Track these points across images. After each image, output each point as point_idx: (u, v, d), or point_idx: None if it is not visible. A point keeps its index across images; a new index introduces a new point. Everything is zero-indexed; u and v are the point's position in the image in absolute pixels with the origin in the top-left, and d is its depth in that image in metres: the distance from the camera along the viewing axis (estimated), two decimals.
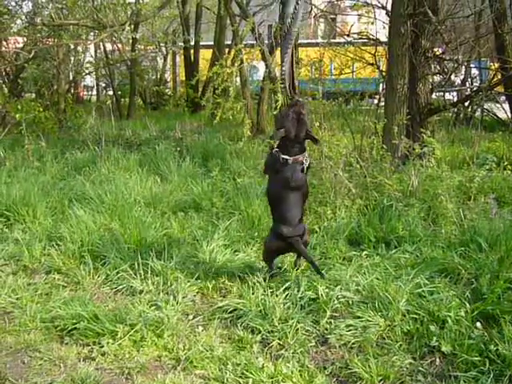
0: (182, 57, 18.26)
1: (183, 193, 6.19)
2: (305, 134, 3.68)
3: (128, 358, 3.10)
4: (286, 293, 3.66)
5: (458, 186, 5.59)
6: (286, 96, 3.87)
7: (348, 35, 9.21)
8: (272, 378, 2.87)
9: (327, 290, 3.62)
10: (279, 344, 3.20)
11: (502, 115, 11.30)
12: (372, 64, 8.97)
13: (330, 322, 3.37)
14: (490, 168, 5.69)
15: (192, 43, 16.64)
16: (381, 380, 2.85)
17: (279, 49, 3.99)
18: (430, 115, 7.34)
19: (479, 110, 10.71)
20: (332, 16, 12.15)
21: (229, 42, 13.90)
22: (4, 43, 11.61)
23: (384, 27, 8.54)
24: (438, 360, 3.02)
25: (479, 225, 4.57)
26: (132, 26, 12.28)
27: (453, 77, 10.12)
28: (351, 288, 3.65)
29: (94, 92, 20.20)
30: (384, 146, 5.99)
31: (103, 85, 19.75)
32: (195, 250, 4.48)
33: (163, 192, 6.11)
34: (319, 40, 13.21)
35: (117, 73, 17.32)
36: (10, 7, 11.18)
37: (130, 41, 13.85)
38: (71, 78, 14.31)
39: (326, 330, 3.32)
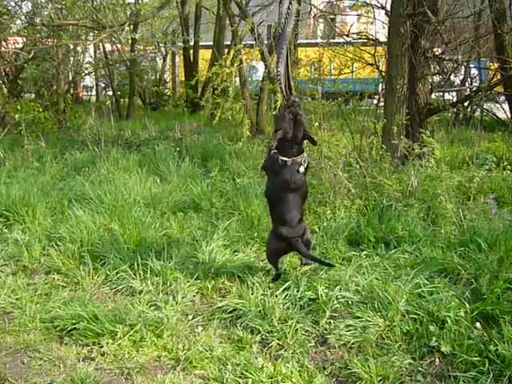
0: (182, 57, 18.27)
1: (183, 193, 6.19)
2: (302, 135, 3.67)
3: (127, 358, 3.11)
4: (286, 293, 3.66)
5: (458, 186, 5.60)
6: (283, 97, 3.85)
7: (347, 35, 9.19)
8: (271, 378, 2.87)
9: (327, 291, 3.63)
10: (279, 344, 3.20)
11: (501, 115, 11.31)
12: (371, 64, 8.95)
13: (330, 322, 3.38)
14: (489, 168, 5.69)
15: (191, 43, 16.64)
16: (380, 380, 2.85)
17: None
18: (429, 115, 7.35)
19: (479, 110, 10.72)
20: (331, 16, 12.14)
21: (228, 43, 13.90)
22: (3, 43, 11.59)
23: (383, 27, 8.53)
24: (437, 360, 3.02)
25: (479, 225, 4.58)
26: (131, 27, 12.28)
27: (452, 77, 10.14)
28: (351, 288, 3.65)
29: (94, 92, 20.20)
30: (383, 146, 6.00)
31: (102, 85, 19.75)
32: (195, 250, 4.48)
33: (163, 192, 6.11)
34: (318, 40, 13.19)
35: (116, 73, 17.32)
36: (10, 7, 11.16)
37: (130, 41, 13.84)
38: (71, 78, 14.30)
39: (326, 330, 3.33)
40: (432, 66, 7.56)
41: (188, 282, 3.93)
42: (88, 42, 12.71)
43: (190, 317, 3.56)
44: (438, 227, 4.87)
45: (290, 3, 3.63)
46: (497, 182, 6.03)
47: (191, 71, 15.70)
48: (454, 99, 10.50)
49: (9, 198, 5.65)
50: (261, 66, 11.91)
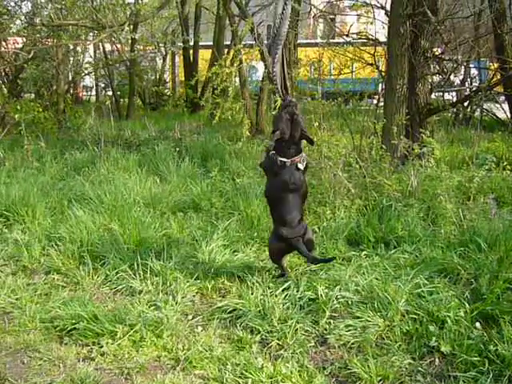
0: (181, 57, 18.27)
1: (182, 193, 6.19)
2: (300, 135, 3.67)
3: (127, 358, 3.10)
4: (286, 293, 3.66)
5: (458, 186, 5.60)
6: (279, 97, 3.86)
7: (347, 35, 9.19)
8: (271, 378, 2.87)
9: (326, 290, 3.63)
10: (278, 344, 3.20)
11: (501, 115, 11.31)
12: (371, 64, 8.96)
13: (330, 322, 3.38)
14: (489, 168, 5.69)
15: (191, 43, 16.64)
16: (380, 380, 2.85)
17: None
18: (429, 115, 7.35)
19: (478, 110, 10.72)
20: (331, 16, 12.13)
21: (228, 43, 13.89)
22: (3, 43, 11.58)
23: (383, 27, 8.53)
24: (437, 360, 3.02)
25: (478, 225, 4.58)
26: (131, 27, 12.27)
27: (452, 77, 10.14)
28: (350, 288, 3.65)
29: (94, 92, 20.19)
30: (383, 146, 6.00)
31: (102, 85, 19.74)
32: (194, 250, 4.48)
33: (162, 192, 6.11)
34: (318, 40, 13.20)
35: (116, 73, 17.31)
36: (10, 7, 11.15)
37: (129, 41, 13.83)
38: (70, 78, 14.29)
39: (326, 330, 3.33)
40: (432, 66, 7.56)
41: (188, 281, 3.93)
42: (88, 42, 12.70)
43: (190, 317, 3.56)
44: (437, 227, 4.87)
45: (285, 4, 3.64)
46: (497, 181, 6.03)
47: (191, 71, 15.70)
48: (454, 99, 10.50)
49: (9, 198, 5.65)
50: (260, 66, 11.90)
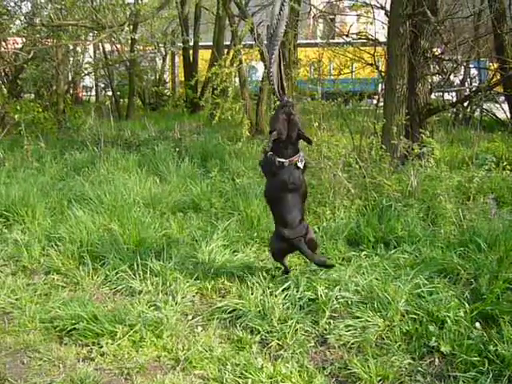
0: (181, 57, 18.27)
1: (182, 193, 6.19)
2: (297, 134, 3.67)
3: (127, 358, 3.11)
4: (285, 293, 3.66)
5: (457, 186, 5.60)
6: (276, 97, 3.86)
7: (347, 35, 9.19)
8: (271, 378, 2.87)
9: (326, 291, 3.63)
10: (278, 344, 3.20)
11: (501, 115, 11.32)
12: (371, 64, 8.95)
13: (329, 323, 3.38)
14: (489, 168, 5.69)
15: (191, 44, 16.64)
16: (380, 380, 2.85)
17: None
18: (429, 115, 7.35)
19: (478, 110, 10.72)
20: (331, 16, 12.13)
21: (228, 43, 13.89)
22: (3, 44, 11.58)
23: (383, 27, 8.53)
24: (437, 360, 3.02)
25: (478, 225, 4.58)
26: (131, 27, 12.27)
27: (452, 77, 10.14)
28: (350, 288, 3.65)
29: (93, 92, 20.18)
30: (383, 147, 6.00)
31: (102, 85, 19.73)
32: (194, 250, 4.48)
33: (162, 192, 6.11)
34: (318, 40, 13.19)
35: (116, 73, 17.31)
36: (9, 8, 11.15)
37: (129, 41, 13.83)
38: (70, 78, 14.29)
39: (325, 330, 3.33)
40: (431, 66, 7.57)
41: (188, 282, 3.93)
42: (87, 43, 12.69)
43: (190, 317, 3.56)
44: (437, 227, 4.87)
45: (282, 5, 3.64)
46: (496, 182, 6.03)
47: (191, 71, 15.70)
48: (454, 99, 10.50)
49: (8, 199, 5.65)
50: (260, 66, 11.92)
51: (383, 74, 8.18)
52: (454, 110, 10.41)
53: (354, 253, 4.43)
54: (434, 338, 3.12)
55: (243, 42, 9.59)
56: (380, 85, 8.98)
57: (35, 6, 11.26)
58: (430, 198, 5.34)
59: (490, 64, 11.51)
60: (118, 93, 16.82)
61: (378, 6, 8.39)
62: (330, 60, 11.05)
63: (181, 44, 16.67)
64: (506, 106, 11.05)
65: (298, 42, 11.67)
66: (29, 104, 10.17)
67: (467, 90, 10.61)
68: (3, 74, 12.34)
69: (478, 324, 3.24)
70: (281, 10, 3.64)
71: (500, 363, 2.87)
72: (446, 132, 9.32)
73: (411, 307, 3.40)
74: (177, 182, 6.53)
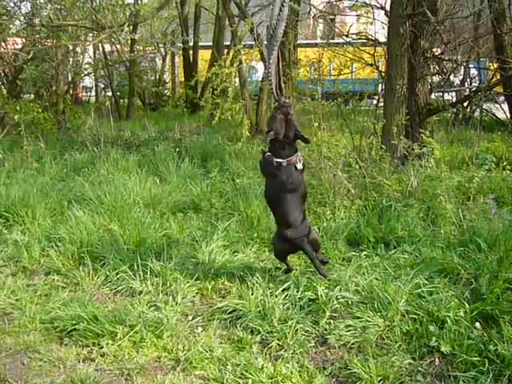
0: (181, 57, 18.28)
1: (182, 193, 6.19)
2: (294, 134, 3.68)
3: (127, 358, 3.11)
4: (286, 293, 3.67)
5: (457, 187, 5.60)
6: (273, 97, 3.87)
7: (347, 36, 9.20)
8: (271, 378, 2.87)
9: (326, 291, 3.63)
10: (279, 344, 3.20)
11: (501, 115, 11.32)
12: (371, 64, 8.96)
13: (330, 323, 3.38)
14: (489, 168, 5.69)
15: (191, 44, 16.65)
16: (380, 380, 2.85)
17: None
18: (429, 115, 7.35)
19: (478, 110, 10.72)
20: (331, 16, 12.13)
21: (228, 43, 13.89)
22: (2, 44, 11.58)
23: (383, 28, 8.54)
24: (437, 360, 3.02)
25: (478, 225, 4.58)
26: (131, 27, 12.26)
27: (452, 77, 10.14)
28: (350, 288, 3.65)
29: (93, 93, 20.18)
30: (383, 147, 6.00)
31: (102, 86, 19.74)
32: (194, 250, 4.48)
33: (162, 193, 6.11)
34: (318, 40, 13.20)
35: (116, 74, 17.31)
36: (9, 8, 11.14)
37: (129, 42, 13.83)
38: (70, 78, 14.28)
39: (326, 330, 3.33)
40: (431, 66, 7.57)
41: (188, 282, 3.93)
42: (87, 43, 12.68)
43: (190, 317, 3.56)
44: (437, 227, 4.87)
45: (282, 5, 3.64)
46: (496, 182, 6.03)
47: (191, 72, 15.70)
48: (454, 99, 10.50)
49: (8, 199, 5.65)
50: (260, 67, 11.93)
51: (383, 74, 8.18)
52: (454, 110, 10.41)
53: (354, 253, 4.43)
54: (434, 338, 3.12)
55: (243, 42, 9.58)
56: (380, 85, 9.00)
57: (35, 6, 11.25)
58: (430, 198, 5.34)
59: (490, 64, 11.51)
60: (118, 93, 16.82)
61: (378, 6, 8.40)
62: (330, 60, 11.06)
63: (181, 44, 16.68)
64: (505, 106, 11.06)
65: (298, 42, 11.67)
66: (28, 104, 10.15)
67: (467, 90, 10.62)
68: (3, 74, 12.35)
69: (478, 324, 3.24)
70: (280, 10, 3.65)
71: (500, 363, 2.88)
72: (446, 132, 9.32)
73: (411, 307, 3.40)
74: (177, 182, 6.53)
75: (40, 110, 9.94)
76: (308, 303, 3.57)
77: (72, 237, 4.69)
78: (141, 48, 15.55)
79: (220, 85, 7.84)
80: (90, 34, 12.23)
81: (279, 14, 3.66)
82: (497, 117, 11.42)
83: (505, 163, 6.15)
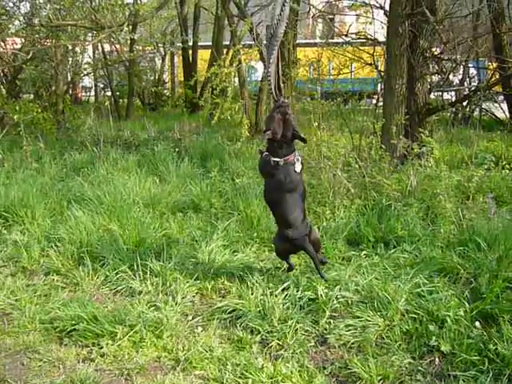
0: (181, 57, 18.27)
1: (182, 193, 6.18)
2: (292, 134, 3.68)
3: (127, 358, 3.11)
4: (285, 293, 3.67)
5: (457, 186, 5.60)
6: (272, 97, 3.87)
7: (346, 35, 9.19)
8: (271, 378, 2.87)
9: (326, 290, 3.63)
10: (278, 344, 3.20)
11: (500, 115, 11.33)
12: (370, 64, 8.96)
13: (330, 322, 3.38)
14: (488, 167, 5.70)
15: (190, 44, 16.64)
16: (380, 380, 2.85)
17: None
18: (428, 115, 7.35)
19: (477, 109, 10.73)
20: (330, 16, 12.13)
21: (227, 43, 13.88)
22: (2, 44, 11.58)
23: (382, 27, 8.52)
24: (437, 359, 3.03)
25: (478, 224, 4.58)
26: (130, 27, 12.25)
27: (451, 76, 10.13)
28: (350, 288, 3.66)
29: (93, 93, 20.16)
30: (383, 146, 6.00)
31: (101, 86, 19.72)
32: (194, 250, 4.48)
33: (162, 193, 6.11)
34: (317, 40, 13.19)
35: (115, 73, 17.30)
36: (8, 8, 11.14)
37: (128, 41, 13.81)
38: (69, 78, 14.27)
39: (326, 330, 3.33)
40: (431, 66, 7.57)
41: (188, 282, 3.93)
42: (87, 43, 12.69)
43: (190, 317, 3.56)
44: (437, 227, 4.87)
45: (283, 5, 3.64)
46: (496, 181, 6.03)
47: (190, 71, 15.70)
48: (453, 99, 10.51)
49: (8, 199, 5.65)
50: (260, 66, 11.93)
51: (382, 73, 8.17)
52: (454, 109, 10.41)
53: (353, 252, 4.43)
54: (434, 338, 3.12)
55: (242, 42, 9.59)
56: (379, 84, 8.99)
57: (34, 6, 11.24)
58: (430, 197, 5.35)
59: (489, 63, 11.51)
60: (118, 93, 16.79)
61: (377, 5, 8.40)
62: (330, 60, 11.04)
63: (180, 44, 16.67)
64: (505, 106, 11.07)
65: (297, 41, 11.67)
66: (28, 104, 10.14)
67: (466, 89, 10.62)
68: (2, 74, 12.34)
69: (477, 323, 3.24)
70: (281, 10, 3.64)
71: (500, 362, 2.88)
72: (446, 131, 9.33)
73: (411, 306, 3.40)
74: (176, 182, 6.53)
75: (39, 110, 9.93)
76: (308, 303, 3.57)
77: (71, 237, 4.69)
78: (140, 48, 15.55)
79: (219, 84, 7.85)
80: (90, 34, 12.23)
81: (280, 14, 3.65)
82: (496, 116, 11.43)
83: (504, 162, 6.15)
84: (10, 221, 5.45)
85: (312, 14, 11.09)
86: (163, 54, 19.46)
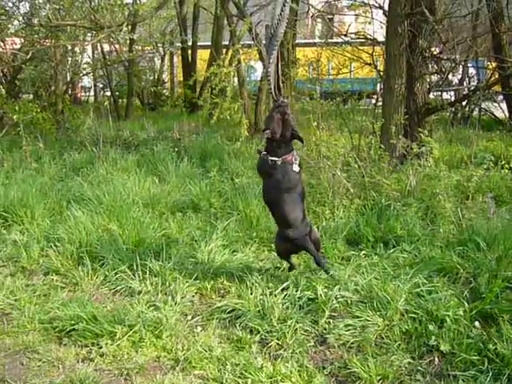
0: (180, 57, 18.27)
1: (181, 193, 6.18)
2: (291, 134, 3.68)
3: (127, 358, 3.10)
4: (285, 293, 3.66)
5: (456, 186, 5.60)
6: (272, 97, 3.88)
7: (345, 35, 9.20)
8: (271, 378, 2.87)
9: (326, 290, 3.63)
10: (278, 344, 3.20)
11: (499, 114, 11.33)
12: (369, 64, 8.97)
13: (329, 322, 3.38)
14: (487, 167, 5.70)
15: (189, 43, 16.64)
16: (380, 379, 2.85)
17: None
18: (427, 115, 7.36)
19: (477, 109, 10.73)
20: (329, 16, 12.14)
21: (226, 43, 13.89)
22: (1, 44, 11.58)
23: (381, 27, 8.53)
24: (436, 359, 3.02)
25: (477, 224, 4.58)
26: (129, 27, 12.24)
27: (450, 76, 10.14)
28: (350, 288, 3.65)
29: (92, 93, 20.16)
30: (382, 146, 6.01)
31: (101, 86, 19.71)
32: (193, 250, 4.48)
33: (161, 192, 6.10)
34: (316, 40, 13.19)
35: (114, 73, 17.31)
36: (7, 8, 11.15)
37: (128, 41, 13.82)
38: (69, 78, 14.27)
39: (325, 329, 3.33)
40: (430, 66, 7.57)
41: (187, 282, 3.92)
42: (86, 43, 12.71)
43: (189, 317, 3.56)
44: (436, 226, 4.87)
45: (284, 5, 3.64)
46: (495, 180, 6.04)
47: (189, 71, 15.70)
48: (452, 99, 10.51)
49: (7, 199, 5.65)
50: (259, 66, 11.92)
51: (382, 73, 8.18)
52: (453, 109, 10.42)
53: (353, 252, 4.43)
54: (433, 337, 3.12)
55: (242, 42, 9.59)
56: (378, 84, 9.00)
57: (33, 6, 11.25)
58: (429, 197, 5.35)
59: (488, 63, 11.52)
60: (117, 93, 16.80)
61: (377, 5, 8.41)
62: (329, 60, 11.05)
63: (179, 44, 16.68)
64: (504, 105, 11.07)
65: (297, 41, 11.68)
66: (27, 104, 10.15)
67: (466, 89, 10.62)
68: (1, 74, 12.35)
69: (477, 323, 3.24)
70: (282, 10, 3.64)
71: (499, 362, 2.88)
72: (445, 131, 9.34)
73: (410, 306, 3.40)
74: (176, 182, 6.53)
75: (39, 110, 9.95)
76: (307, 303, 3.57)
77: (71, 237, 4.68)
78: (139, 48, 15.54)
79: (218, 84, 7.85)
80: (89, 34, 12.25)
81: (281, 14, 3.65)
82: (495, 116, 11.43)
83: (503, 162, 6.16)
84: (9, 221, 5.45)
85: (311, 14, 11.10)
86: (162, 53, 19.46)
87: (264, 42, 8.34)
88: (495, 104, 11.42)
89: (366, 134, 6.81)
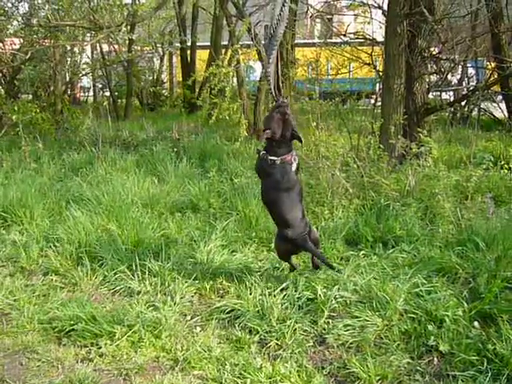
0: (179, 57, 18.26)
1: (180, 193, 6.18)
2: (291, 134, 3.68)
3: (126, 358, 3.10)
4: (284, 293, 3.66)
5: (455, 186, 5.60)
6: (271, 97, 3.88)
7: (344, 35, 9.20)
8: (270, 378, 2.87)
9: (325, 290, 3.63)
10: (277, 344, 3.20)
11: (498, 114, 11.34)
12: (369, 64, 8.97)
13: (328, 322, 3.38)
14: (486, 167, 5.70)
15: (188, 44, 16.64)
16: (379, 380, 2.85)
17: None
18: (426, 115, 7.36)
19: (476, 109, 10.73)
20: (328, 16, 12.15)
21: (225, 43, 13.89)
22: (0, 44, 11.58)
23: (380, 27, 8.53)
24: (435, 359, 3.03)
25: (476, 224, 4.58)
26: (128, 27, 12.24)
27: (449, 76, 10.15)
28: (349, 288, 3.65)
29: (91, 93, 20.13)
30: (381, 146, 6.01)
31: (100, 86, 19.69)
32: (193, 250, 4.48)
33: (160, 193, 6.10)
34: (316, 40, 13.20)
35: (113, 74, 17.29)
36: (6, 8, 11.14)
37: (127, 42, 13.82)
38: (68, 79, 14.27)
39: (324, 329, 3.33)
40: (429, 66, 7.57)
41: (186, 282, 3.93)
42: (85, 43, 12.70)
43: (189, 317, 3.56)
44: (435, 226, 4.87)
45: (283, 5, 3.64)
46: (494, 181, 6.04)
47: (189, 71, 15.70)
48: (452, 99, 10.51)
49: (6, 199, 5.64)
50: (258, 66, 11.91)
51: (381, 73, 8.18)
52: (452, 109, 10.42)
53: (352, 252, 4.43)
54: (432, 337, 3.12)
55: (241, 42, 9.59)
56: (378, 84, 9.00)
57: (32, 6, 11.25)
58: (428, 197, 5.35)
59: (488, 63, 11.52)
60: (116, 93, 16.78)
61: (376, 5, 8.40)
62: (328, 60, 11.05)
63: (178, 44, 16.67)
64: (503, 105, 11.07)
65: (296, 41, 11.68)
66: (26, 105, 10.15)
67: (465, 89, 10.62)
68: (1, 74, 12.33)
69: (476, 323, 3.24)
70: (281, 10, 3.64)
71: (499, 362, 2.88)
72: (444, 131, 9.33)
73: (410, 306, 3.40)
74: (175, 182, 6.53)
75: (38, 111, 9.95)
76: (306, 303, 3.57)
77: (70, 237, 4.68)
78: (139, 48, 15.54)
79: (218, 84, 7.84)
80: (88, 34, 12.24)
81: (280, 14, 3.65)
82: (494, 116, 11.44)
83: (502, 162, 6.17)
84: (8, 221, 5.45)
85: (310, 14, 11.09)
86: (161, 54, 19.45)
87: (263, 42, 8.35)
88: (494, 104, 11.42)
89: (365, 134, 6.81)
